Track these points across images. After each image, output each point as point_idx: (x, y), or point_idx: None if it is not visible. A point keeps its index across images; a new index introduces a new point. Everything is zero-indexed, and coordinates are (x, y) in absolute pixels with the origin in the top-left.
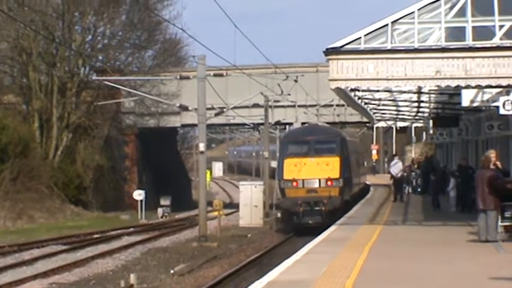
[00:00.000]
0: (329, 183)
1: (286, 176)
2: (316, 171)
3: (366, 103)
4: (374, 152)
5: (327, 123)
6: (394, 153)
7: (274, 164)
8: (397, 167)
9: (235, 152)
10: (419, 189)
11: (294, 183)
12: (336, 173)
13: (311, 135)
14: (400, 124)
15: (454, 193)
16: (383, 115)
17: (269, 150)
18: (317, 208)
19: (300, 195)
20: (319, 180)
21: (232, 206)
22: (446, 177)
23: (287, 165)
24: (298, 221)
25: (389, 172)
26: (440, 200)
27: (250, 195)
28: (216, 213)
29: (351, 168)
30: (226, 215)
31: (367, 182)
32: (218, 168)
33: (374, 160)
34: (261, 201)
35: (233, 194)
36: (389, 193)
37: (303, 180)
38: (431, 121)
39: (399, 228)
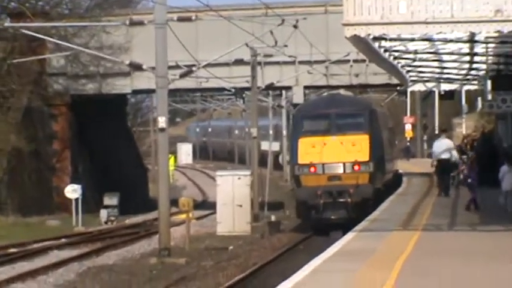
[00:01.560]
0: (356, 168)
1: (301, 160)
2: (339, 153)
3: (395, 58)
4: (408, 127)
5: (340, 86)
6: (439, 128)
7: (265, 145)
8: (442, 147)
9: (197, 130)
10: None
11: (312, 169)
12: (364, 155)
13: (332, 108)
14: (445, 87)
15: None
16: (420, 74)
17: (258, 126)
18: (341, 200)
19: (319, 184)
20: (344, 164)
21: (207, 205)
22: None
23: (303, 146)
24: (318, 217)
25: (430, 155)
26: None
27: (232, 191)
28: (183, 216)
29: (384, 148)
30: (198, 218)
31: (399, 170)
32: (186, 152)
33: (408, 138)
34: (247, 198)
35: (207, 188)
36: (431, 185)
37: (323, 164)
38: (489, 82)
39: (445, 236)
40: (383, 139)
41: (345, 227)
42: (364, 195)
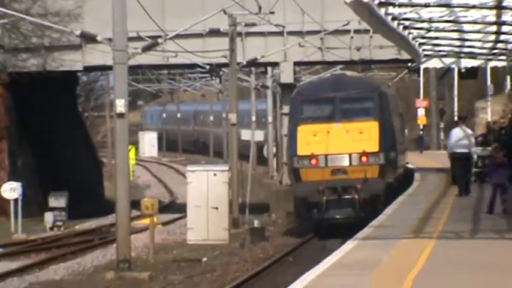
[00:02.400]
0: (364, 159)
1: (301, 151)
2: (345, 143)
3: (405, 27)
4: (421, 112)
5: (337, 62)
6: (458, 114)
7: (246, 134)
8: (459, 138)
9: (150, 115)
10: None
11: (313, 161)
12: (374, 145)
13: (336, 90)
14: (467, 63)
15: None
16: (436, 48)
17: (238, 110)
18: (347, 197)
19: (322, 179)
20: (350, 155)
21: (175, 208)
22: None
23: (302, 134)
24: (320, 217)
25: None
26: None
27: (206, 190)
28: (146, 221)
29: (395, 137)
30: (165, 224)
31: (409, 165)
32: (150, 142)
33: (421, 126)
34: (225, 199)
35: (176, 187)
36: (449, 183)
37: (326, 156)
38: None
39: (465, 245)
40: (394, 126)
41: (352, 228)
42: (373, 191)
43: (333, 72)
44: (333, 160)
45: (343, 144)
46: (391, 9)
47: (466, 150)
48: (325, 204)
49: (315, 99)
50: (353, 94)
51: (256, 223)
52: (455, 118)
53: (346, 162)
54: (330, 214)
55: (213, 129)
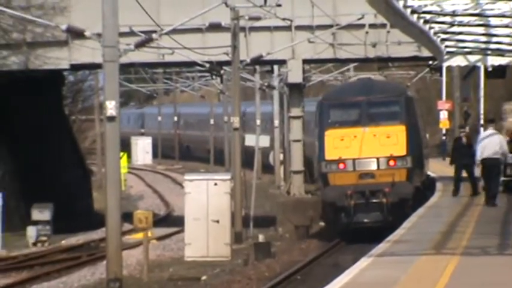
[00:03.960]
0: (392, 163)
1: (328, 156)
2: (372, 147)
3: (426, 21)
4: (443, 114)
5: (351, 60)
6: (485, 116)
7: (250, 139)
8: (490, 143)
9: (127, 118)
10: None
11: (341, 165)
12: (401, 149)
13: (363, 95)
14: (494, 61)
15: None
16: (460, 44)
17: (241, 113)
18: (375, 200)
19: (350, 183)
20: (378, 159)
21: (172, 221)
22: None
23: (330, 139)
24: (348, 221)
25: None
26: None
27: (206, 201)
28: (139, 235)
29: (422, 141)
30: (160, 238)
31: (430, 173)
32: (143, 148)
33: (444, 130)
34: (226, 211)
35: (173, 198)
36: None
37: (354, 160)
38: None
39: (492, 263)
40: (421, 130)
41: (380, 233)
42: (401, 194)
43: (359, 76)
44: (361, 164)
45: (370, 148)
46: (410, 1)
47: (497, 156)
48: (353, 208)
49: (341, 104)
50: (380, 98)
51: (261, 238)
52: (482, 121)
53: (373, 166)
54: (358, 218)
55: (214, 134)
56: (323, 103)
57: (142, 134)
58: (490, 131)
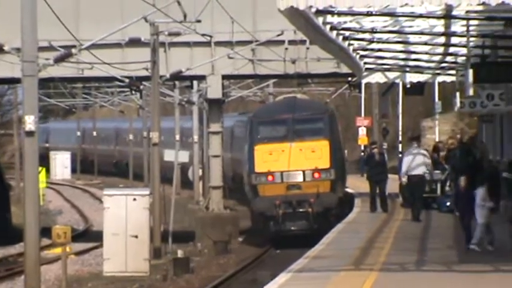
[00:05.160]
0: (316, 175)
1: (258, 169)
2: (298, 161)
3: (345, 38)
4: (362, 131)
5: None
6: (408, 134)
7: (169, 154)
8: (415, 160)
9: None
10: (447, 203)
11: (270, 178)
12: (325, 162)
13: (289, 112)
14: (413, 78)
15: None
16: (379, 61)
17: (161, 128)
18: (301, 210)
19: (278, 194)
20: (304, 172)
21: (90, 236)
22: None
23: (259, 153)
24: (277, 228)
25: (396, 169)
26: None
27: (125, 216)
28: (58, 250)
29: (343, 155)
30: (78, 253)
31: (349, 189)
32: (62, 163)
33: (362, 147)
34: (145, 226)
35: (91, 213)
36: (395, 209)
37: (282, 172)
38: (471, 72)
39: (410, 279)
40: (342, 145)
41: (306, 239)
42: (326, 204)
43: (286, 96)
44: (288, 176)
45: (297, 161)
46: (329, 18)
47: (421, 173)
48: (281, 217)
49: (269, 121)
50: (305, 115)
51: (180, 253)
52: (411, 137)
53: (300, 178)
54: (286, 226)
55: (134, 149)
56: (252, 120)
57: (47, 149)
58: (415, 148)
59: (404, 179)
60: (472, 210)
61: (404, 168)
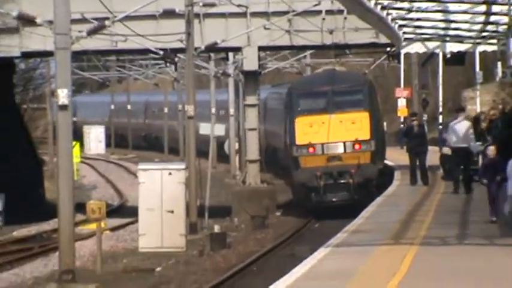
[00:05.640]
0: (357, 147)
1: (299, 141)
2: (339, 132)
3: (384, 7)
4: (401, 102)
5: (308, 47)
6: (452, 105)
7: (205, 128)
8: (461, 132)
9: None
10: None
11: (311, 149)
12: (365, 133)
13: (329, 84)
14: (453, 48)
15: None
16: (418, 30)
17: (196, 102)
18: (343, 181)
19: (319, 165)
20: (344, 143)
21: (126, 212)
22: None
23: (300, 125)
24: (318, 199)
25: (440, 141)
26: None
27: (160, 191)
28: (93, 226)
29: (382, 127)
30: (113, 229)
31: (388, 162)
32: (96, 138)
33: (402, 119)
34: (181, 202)
35: (126, 188)
36: (435, 182)
37: (323, 144)
38: None
39: (451, 252)
40: (381, 116)
41: (347, 210)
42: (366, 175)
43: (324, 68)
44: (329, 148)
45: (337, 133)
46: None
47: (466, 145)
48: (322, 188)
49: (309, 93)
50: (344, 87)
51: (216, 228)
52: (441, 109)
53: (340, 150)
54: (327, 197)
55: (168, 123)
56: (292, 92)
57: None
58: (461, 120)
59: (447, 151)
60: (503, 180)
61: (452, 138)
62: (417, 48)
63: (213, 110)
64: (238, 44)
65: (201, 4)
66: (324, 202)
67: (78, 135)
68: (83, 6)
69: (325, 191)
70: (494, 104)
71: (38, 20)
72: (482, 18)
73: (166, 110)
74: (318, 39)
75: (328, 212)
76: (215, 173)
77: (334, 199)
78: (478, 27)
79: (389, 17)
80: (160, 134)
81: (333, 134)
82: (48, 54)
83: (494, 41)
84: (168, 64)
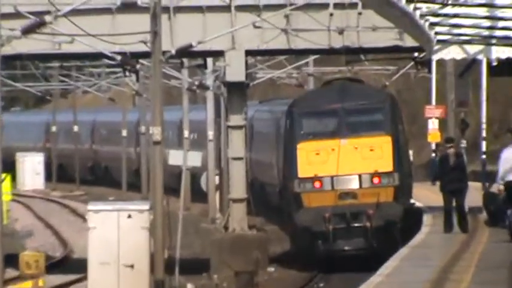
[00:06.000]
0: (376, 180)
1: (302, 173)
2: (353, 162)
3: (411, 0)
4: (433, 124)
5: (310, 51)
6: (508, 127)
7: (176, 157)
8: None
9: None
10: None
11: (317, 184)
12: (387, 164)
13: (340, 101)
14: (500, 53)
15: None
16: (455, 31)
17: (163, 122)
18: (357, 224)
19: (327, 204)
20: (360, 176)
21: (71, 265)
22: None
23: (303, 153)
24: (326, 248)
25: (490, 176)
26: None
27: (117, 239)
28: (27, 284)
29: (408, 155)
30: None
31: (416, 201)
32: (33, 169)
33: (434, 146)
34: (144, 253)
35: (72, 235)
36: (477, 228)
37: (332, 177)
38: None
39: None
40: (407, 142)
41: (363, 261)
42: (388, 217)
43: (333, 78)
44: (340, 182)
45: (351, 163)
46: None
47: None
48: (331, 234)
49: (316, 112)
50: (360, 104)
51: (189, 287)
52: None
53: (355, 185)
54: (337, 245)
55: (126, 150)
56: (293, 111)
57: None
58: None
59: (500, 186)
60: None
61: (501, 171)
62: (454, 53)
63: (186, 134)
64: (220, 47)
65: None
66: (334, 251)
67: (8, 165)
68: None
69: (335, 238)
70: None
71: None
72: None
73: (124, 132)
74: (324, 41)
75: (338, 264)
76: (188, 215)
77: (346, 247)
78: None
79: (418, 13)
80: (111, 163)
81: (346, 164)
82: None
83: None
84: (127, 73)
